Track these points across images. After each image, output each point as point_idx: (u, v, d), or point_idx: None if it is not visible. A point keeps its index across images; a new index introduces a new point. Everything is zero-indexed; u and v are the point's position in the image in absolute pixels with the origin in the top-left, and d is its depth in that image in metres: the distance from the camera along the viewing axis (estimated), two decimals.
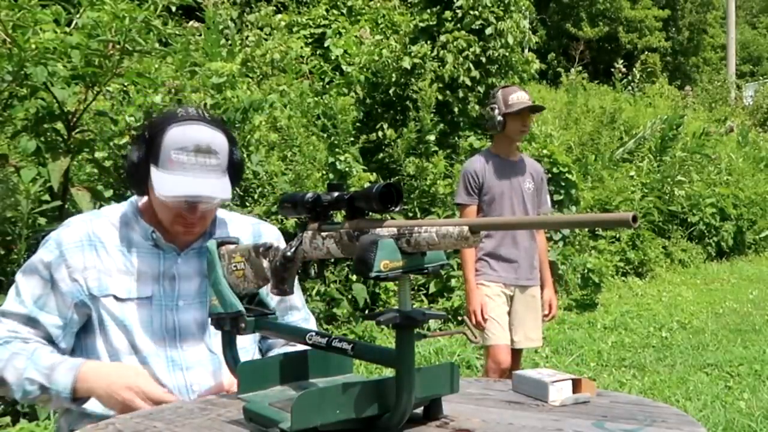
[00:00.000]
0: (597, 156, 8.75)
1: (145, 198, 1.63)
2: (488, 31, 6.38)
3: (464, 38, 6.35)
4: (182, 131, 1.51)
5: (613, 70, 11.43)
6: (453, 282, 5.50)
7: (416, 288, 5.61)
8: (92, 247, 1.57)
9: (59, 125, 3.43)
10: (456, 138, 6.47)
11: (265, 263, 1.31)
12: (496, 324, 3.24)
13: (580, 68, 13.05)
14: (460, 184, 3.37)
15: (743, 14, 29.12)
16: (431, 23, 6.57)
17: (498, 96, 3.29)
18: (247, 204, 5.15)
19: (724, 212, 9.20)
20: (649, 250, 8.04)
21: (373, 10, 8.53)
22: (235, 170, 1.61)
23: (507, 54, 6.53)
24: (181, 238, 1.62)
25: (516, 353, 3.35)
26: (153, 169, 1.52)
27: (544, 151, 7.20)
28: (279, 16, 8.10)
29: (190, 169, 1.51)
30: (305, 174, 5.29)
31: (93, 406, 1.51)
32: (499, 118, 3.25)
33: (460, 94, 6.40)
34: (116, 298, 1.55)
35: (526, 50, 8.14)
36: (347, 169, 5.31)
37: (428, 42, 6.44)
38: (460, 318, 5.24)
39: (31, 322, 1.56)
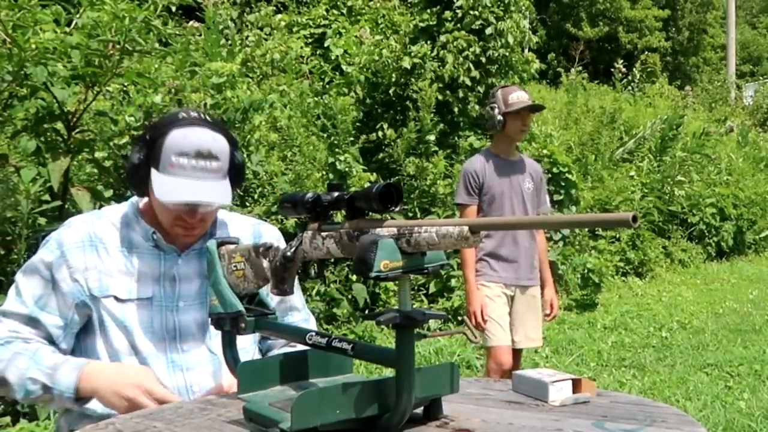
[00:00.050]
0: (597, 156, 8.75)
1: (146, 199, 1.63)
2: (488, 31, 6.38)
3: (464, 38, 6.35)
4: (183, 135, 1.51)
5: (612, 70, 11.43)
6: (453, 282, 5.50)
7: (416, 288, 5.61)
8: (93, 248, 1.57)
9: (59, 125, 3.43)
10: (456, 138, 6.48)
11: (265, 263, 1.31)
12: (496, 325, 3.23)
13: (580, 68, 13.05)
14: (460, 184, 3.37)
15: (743, 14, 29.12)
16: (431, 23, 6.57)
17: (498, 95, 3.28)
18: (247, 204, 5.15)
19: (724, 212, 9.20)
20: (649, 250, 8.04)
21: (373, 10, 8.53)
22: (236, 173, 1.61)
23: (507, 54, 6.53)
24: (181, 240, 1.62)
25: (516, 353, 3.36)
26: (153, 172, 1.52)
27: (544, 151, 7.21)
28: (279, 16, 8.09)
29: (191, 174, 1.50)
30: (305, 174, 5.29)
31: (93, 405, 1.51)
32: (499, 117, 3.25)
33: (460, 94, 6.40)
34: (117, 298, 1.55)
35: (526, 50, 8.14)
36: (347, 169, 5.31)
37: (428, 42, 6.44)
38: (460, 318, 5.24)
39: (32, 322, 1.56)
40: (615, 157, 9.14)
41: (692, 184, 9.18)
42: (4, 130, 3.73)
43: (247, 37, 7.30)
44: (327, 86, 6.82)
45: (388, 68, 6.52)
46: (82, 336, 1.59)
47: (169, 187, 1.49)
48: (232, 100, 4.59)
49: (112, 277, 1.56)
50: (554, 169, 7.13)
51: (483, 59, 6.39)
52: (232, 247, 1.38)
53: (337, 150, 5.35)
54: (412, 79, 6.35)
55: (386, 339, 4.83)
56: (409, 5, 8.25)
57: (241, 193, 5.17)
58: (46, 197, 3.43)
